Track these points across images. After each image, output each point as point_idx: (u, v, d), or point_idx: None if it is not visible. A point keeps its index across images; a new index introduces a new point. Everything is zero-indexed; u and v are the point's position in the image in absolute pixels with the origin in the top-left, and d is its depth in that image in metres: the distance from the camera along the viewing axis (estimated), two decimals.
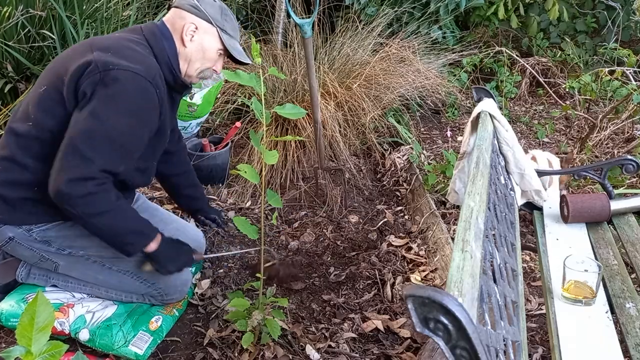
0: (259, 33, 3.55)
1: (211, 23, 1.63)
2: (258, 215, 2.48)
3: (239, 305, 1.62)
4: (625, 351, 1.12)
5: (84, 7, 2.82)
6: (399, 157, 2.91)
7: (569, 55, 3.91)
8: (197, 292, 1.96)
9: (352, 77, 3.10)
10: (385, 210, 2.56)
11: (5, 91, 2.60)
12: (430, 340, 1.63)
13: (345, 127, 2.92)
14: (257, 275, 1.65)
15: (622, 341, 1.15)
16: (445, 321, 0.60)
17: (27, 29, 2.61)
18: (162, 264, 1.67)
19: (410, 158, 2.82)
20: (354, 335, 1.77)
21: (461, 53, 3.74)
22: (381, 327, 1.80)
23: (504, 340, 0.91)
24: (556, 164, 1.92)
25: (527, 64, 3.66)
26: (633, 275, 1.44)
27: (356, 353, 1.71)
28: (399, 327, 1.81)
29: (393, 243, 2.28)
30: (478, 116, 1.56)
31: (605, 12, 3.97)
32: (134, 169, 1.63)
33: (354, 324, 1.82)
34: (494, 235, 1.18)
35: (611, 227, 1.60)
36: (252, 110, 2.75)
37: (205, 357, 1.69)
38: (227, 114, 3.09)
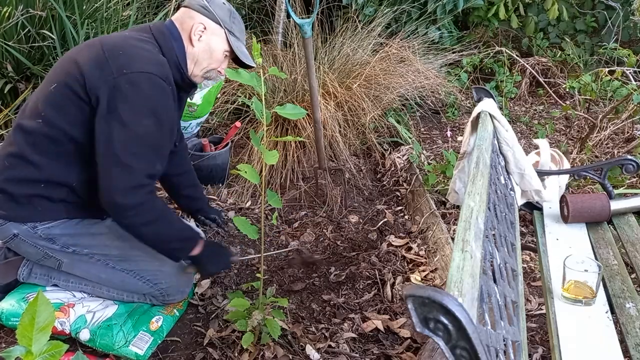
0: (259, 33, 3.55)
1: (220, 24, 1.65)
2: (258, 215, 2.48)
3: (239, 305, 1.62)
4: (625, 351, 1.13)
5: (84, 7, 2.82)
6: (399, 157, 2.91)
7: (569, 55, 3.91)
8: (197, 292, 1.96)
9: (352, 77, 3.10)
10: (385, 210, 2.56)
11: (5, 91, 2.60)
12: (430, 340, 1.63)
13: (345, 127, 2.92)
14: (257, 275, 1.65)
15: (622, 341, 1.15)
16: (445, 321, 0.60)
17: (27, 29, 2.61)
18: (204, 267, 1.73)
19: (410, 158, 2.82)
20: (354, 335, 1.77)
21: (461, 53, 3.74)
22: (381, 327, 1.80)
23: (504, 340, 0.91)
24: (565, 163, 1.91)
25: (527, 64, 3.66)
26: (633, 275, 1.44)
27: (356, 353, 1.71)
28: (399, 327, 1.81)
29: (393, 243, 2.28)
30: (478, 116, 1.56)
31: (605, 12, 3.98)
32: None
33: (354, 324, 1.82)
34: (494, 235, 1.18)
35: (611, 227, 1.60)
36: (252, 110, 2.75)
37: (205, 357, 1.69)
38: (227, 114, 3.09)
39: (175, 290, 1.78)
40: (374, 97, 3.05)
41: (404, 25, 3.66)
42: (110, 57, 1.49)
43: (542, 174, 1.76)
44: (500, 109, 2.77)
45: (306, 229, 2.41)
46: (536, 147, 1.93)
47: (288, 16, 3.24)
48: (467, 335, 0.60)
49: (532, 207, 1.76)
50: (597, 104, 3.50)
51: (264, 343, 1.67)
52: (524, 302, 1.28)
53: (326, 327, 1.81)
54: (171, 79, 1.58)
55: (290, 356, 1.67)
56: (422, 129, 3.37)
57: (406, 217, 2.51)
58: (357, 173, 2.83)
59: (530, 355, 1.67)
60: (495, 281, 1.02)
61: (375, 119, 3.07)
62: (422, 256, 2.19)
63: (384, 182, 2.82)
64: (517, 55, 3.61)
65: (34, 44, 2.62)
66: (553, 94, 3.47)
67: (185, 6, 1.67)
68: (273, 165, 2.62)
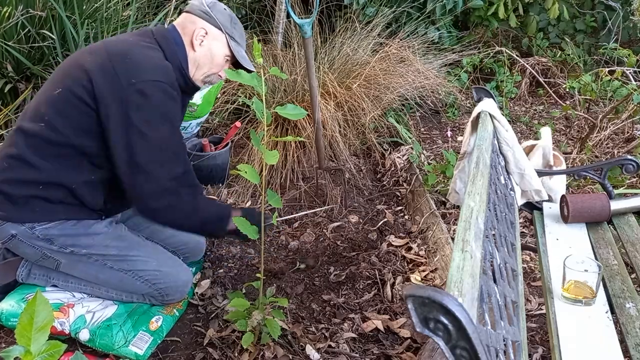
0: (258, 33, 3.55)
1: (221, 29, 1.69)
2: None
3: (239, 305, 1.62)
4: (625, 351, 1.12)
5: (84, 7, 2.82)
6: (399, 157, 2.91)
7: (568, 55, 3.91)
8: (197, 292, 1.96)
9: (352, 77, 3.10)
10: (385, 210, 2.56)
11: (5, 91, 2.60)
12: (430, 340, 1.63)
13: (345, 127, 2.92)
14: (258, 275, 1.65)
15: (622, 341, 1.15)
16: (445, 321, 0.60)
17: (27, 29, 2.61)
18: (242, 236, 1.71)
19: (410, 158, 2.82)
20: (354, 335, 1.77)
21: (461, 53, 3.74)
22: (381, 327, 1.80)
23: (504, 340, 0.91)
24: (561, 164, 1.91)
25: (527, 64, 3.66)
26: (633, 275, 1.44)
27: (356, 353, 1.70)
28: (399, 327, 1.81)
29: (393, 243, 2.28)
30: (478, 116, 1.56)
31: (604, 12, 3.98)
32: None
33: (354, 324, 1.82)
34: (494, 235, 1.18)
35: (611, 227, 1.60)
36: (252, 110, 2.75)
37: (205, 357, 1.69)
38: (227, 114, 3.09)
39: (174, 290, 1.78)
40: (373, 97, 3.05)
41: (404, 26, 3.66)
42: (117, 66, 1.51)
43: (542, 174, 1.76)
44: (500, 109, 2.77)
45: (306, 229, 2.41)
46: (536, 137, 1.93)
47: (288, 16, 3.24)
48: (467, 335, 0.60)
49: (532, 207, 1.76)
50: (597, 104, 3.50)
51: (264, 343, 1.67)
52: (524, 302, 1.28)
53: (326, 327, 1.80)
54: (176, 84, 1.61)
55: (290, 356, 1.67)
56: (422, 129, 3.37)
57: (406, 217, 2.51)
58: (357, 173, 2.83)
59: (530, 355, 1.66)
60: (495, 281, 1.02)
61: (375, 119, 3.07)
62: (422, 256, 2.19)
63: (384, 182, 2.82)
64: (517, 55, 3.61)
65: (34, 44, 2.62)
66: (553, 94, 3.47)
67: (186, 11, 1.70)
68: (273, 165, 2.62)
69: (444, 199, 2.48)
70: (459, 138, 3.18)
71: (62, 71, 1.62)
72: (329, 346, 1.72)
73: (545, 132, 1.89)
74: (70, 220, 1.66)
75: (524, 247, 1.96)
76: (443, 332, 0.61)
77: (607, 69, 3.17)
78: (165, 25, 1.87)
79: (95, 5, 2.89)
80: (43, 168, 1.57)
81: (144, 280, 1.74)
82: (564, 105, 3.19)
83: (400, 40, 3.47)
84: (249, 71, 1.74)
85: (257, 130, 2.80)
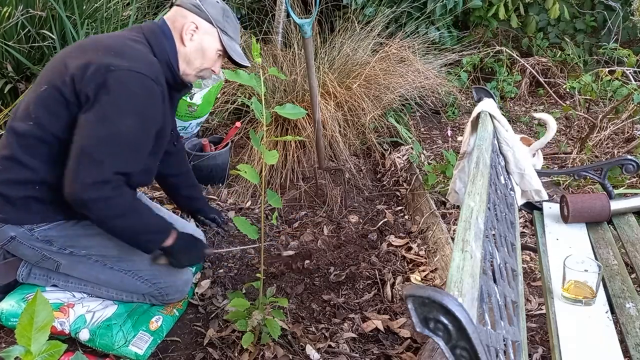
0: (258, 33, 3.55)
1: (212, 23, 1.63)
2: (258, 215, 2.48)
3: (239, 305, 1.62)
4: (625, 351, 1.12)
5: (84, 7, 2.82)
6: (399, 157, 2.91)
7: (569, 55, 3.91)
8: (197, 292, 1.96)
9: (352, 77, 3.10)
10: (385, 210, 2.56)
11: (5, 91, 2.60)
12: (430, 340, 1.63)
13: (345, 127, 2.92)
14: (258, 275, 1.65)
15: (622, 341, 1.15)
16: (445, 321, 0.60)
17: (27, 29, 2.61)
18: (177, 258, 1.71)
19: (410, 158, 2.82)
20: (354, 335, 1.77)
21: (461, 53, 3.73)
22: (381, 327, 1.80)
23: (504, 340, 0.91)
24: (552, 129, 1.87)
25: (527, 63, 3.66)
26: (633, 275, 1.44)
27: (356, 353, 1.70)
28: (399, 327, 1.81)
29: (393, 243, 2.28)
30: (478, 116, 1.56)
31: (605, 13, 3.98)
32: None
33: (354, 324, 1.82)
34: (494, 235, 1.18)
35: (611, 227, 1.60)
36: (252, 110, 2.75)
37: (205, 357, 1.69)
38: (227, 114, 3.09)
39: (174, 289, 1.78)
40: (373, 97, 3.05)
41: (404, 26, 3.66)
42: (100, 56, 1.48)
43: (542, 175, 1.76)
44: (500, 109, 2.77)
45: (306, 229, 2.41)
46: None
47: (288, 16, 3.24)
48: (467, 335, 0.60)
49: (532, 207, 1.76)
50: (597, 104, 3.50)
51: (264, 343, 1.67)
52: (524, 302, 1.28)
53: (326, 327, 1.80)
54: (161, 79, 1.56)
55: (290, 356, 1.67)
56: (422, 129, 3.37)
57: (406, 217, 2.51)
58: (357, 173, 2.83)
59: (530, 355, 1.66)
60: (495, 281, 1.02)
61: (375, 119, 3.07)
62: (422, 256, 2.19)
63: (384, 182, 2.82)
64: (517, 55, 3.61)
65: (34, 44, 2.62)
66: (553, 94, 3.47)
67: (177, 5, 1.65)
68: (273, 165, 2.62)
69: (444, 199, 2.48)
70: (459, 138, 3.18)
71: (48, 69, 1.59)
72: (329, 346, 1.72)
73: (550, 119, 1.87)
74: (69, 221, 1.66)
75: (524, 247, 1.96)
76: (443, 332, 0.61)
77: (607, 69, 3.17)
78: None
79: (95, 5, 2.89)
80: (37, 168, 1.55)
81: (144, 280, 1.74)
82: (564, 105, 3.19)
83: (400, 40, 3.47)
84: (243, 66, 1.73)
85: (257, 130, 2.80)
